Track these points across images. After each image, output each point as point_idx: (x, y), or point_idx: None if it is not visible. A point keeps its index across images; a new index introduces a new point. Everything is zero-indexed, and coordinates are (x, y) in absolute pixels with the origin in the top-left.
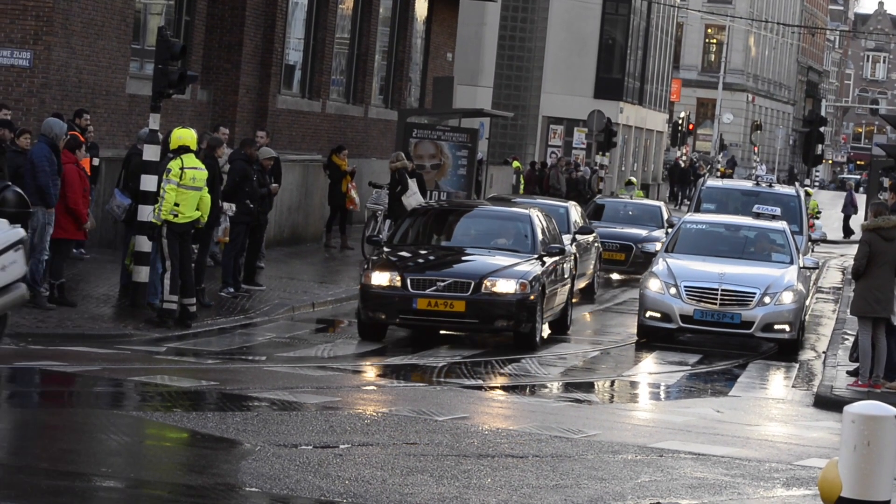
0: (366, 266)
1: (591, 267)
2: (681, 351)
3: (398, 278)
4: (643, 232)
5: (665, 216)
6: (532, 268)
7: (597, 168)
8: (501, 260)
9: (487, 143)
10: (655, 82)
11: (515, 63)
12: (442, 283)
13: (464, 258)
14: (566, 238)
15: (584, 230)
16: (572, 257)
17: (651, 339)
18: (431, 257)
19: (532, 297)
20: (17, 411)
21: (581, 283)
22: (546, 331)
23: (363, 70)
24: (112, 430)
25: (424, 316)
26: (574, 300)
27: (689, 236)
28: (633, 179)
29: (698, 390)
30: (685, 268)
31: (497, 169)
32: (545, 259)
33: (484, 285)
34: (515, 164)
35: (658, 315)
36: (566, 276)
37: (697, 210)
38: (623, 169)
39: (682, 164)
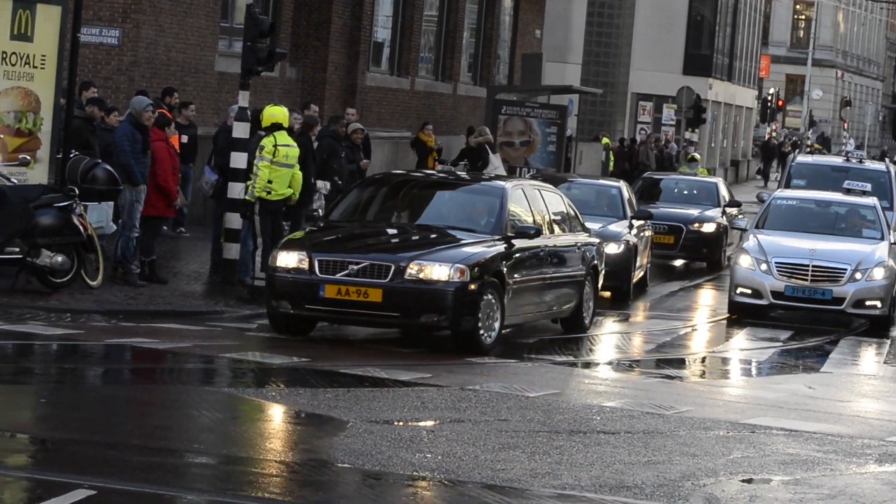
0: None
1: (645, 256)
2: (772, 327)
3: (305, 260)
4: (695, 212)
5: (723, 194)
6: (482, 250)
7: (685, 144)
8: (443, 240)
9: (576, 119)
10: (744, 59)
11: (604, 40)
12: (355, 267)
13: (393, 237)
14: (620, 225)
15: (642, 214)
16: (600, 245)
17: (742, 315)
18: (354, 235)
19: (473, 287)
20: (109, 388)
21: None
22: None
23: (451, 47)
24: (204, 407)
25: (332, 307)
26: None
27: (780, 212)
28: (697, 156)
29: (790, 366)
30: (776, 244)
31: (586, 146)
32: (514, 242)
33: (408, 270)
34: (605, 140)
35: (749, 291)
36: (576, 268)
37: (787, 186)
38: (713, 145)
39: (774, 141)
